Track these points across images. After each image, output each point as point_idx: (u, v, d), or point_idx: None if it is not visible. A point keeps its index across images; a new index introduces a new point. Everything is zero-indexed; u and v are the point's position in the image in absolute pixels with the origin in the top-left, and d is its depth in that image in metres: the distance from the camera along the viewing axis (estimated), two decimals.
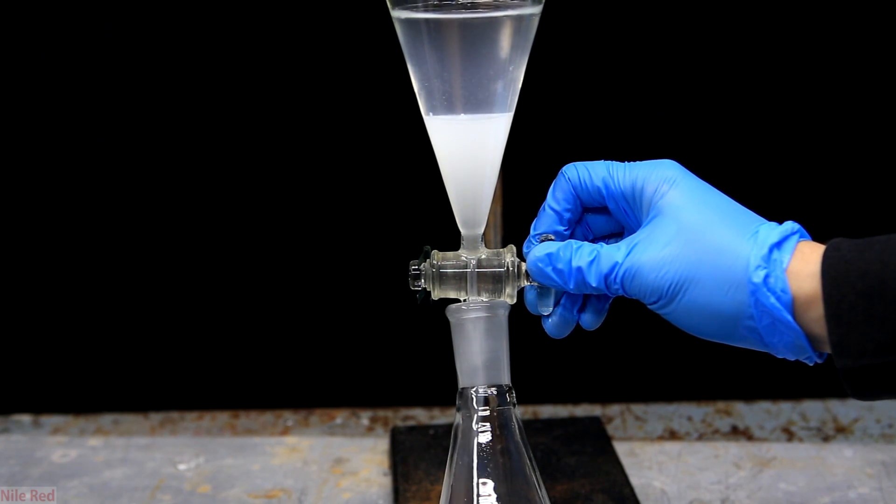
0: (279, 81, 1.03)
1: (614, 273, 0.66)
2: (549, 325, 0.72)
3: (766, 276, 0.62)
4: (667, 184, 0.66)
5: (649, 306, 0.66)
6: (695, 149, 1.02)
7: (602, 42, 1.01)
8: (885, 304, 0.59)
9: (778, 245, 0.63)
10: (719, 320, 0.64)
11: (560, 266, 0.68)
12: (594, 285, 0.67)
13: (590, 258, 0.67)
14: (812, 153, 1.04)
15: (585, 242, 0.68)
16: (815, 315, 0.62)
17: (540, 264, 0.68)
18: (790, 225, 0.64)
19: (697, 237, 0.64)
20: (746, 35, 1.01)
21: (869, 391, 0.61)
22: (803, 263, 0.62)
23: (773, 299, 0.62)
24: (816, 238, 0.65)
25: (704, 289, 0.64)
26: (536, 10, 0.68)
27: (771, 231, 0.63)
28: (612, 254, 0.66)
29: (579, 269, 0.67)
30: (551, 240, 0.70)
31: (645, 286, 0.65)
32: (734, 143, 1.03)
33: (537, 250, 0.69)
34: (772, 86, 1.02)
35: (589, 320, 0.72)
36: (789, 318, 0.62)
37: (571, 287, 0.68)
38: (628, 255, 0.66)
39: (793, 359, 0.65)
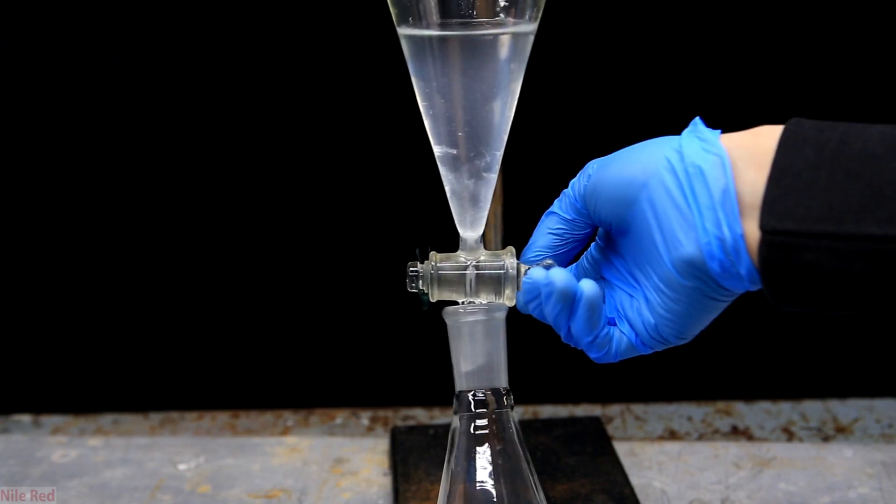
0: (280, 83, 1.03)
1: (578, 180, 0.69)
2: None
3: (693, 127, 0.64)
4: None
5: (595, 196, 0.67)
6: None
7: (601, 44, 1.01)
8: (831, 175, 0.58)
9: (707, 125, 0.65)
10: (649, 165, 0.64)
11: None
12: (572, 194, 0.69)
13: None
14: None
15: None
16: (746, 155, 0.61)
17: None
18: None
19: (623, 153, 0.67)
20: (743, 36, 1.01)
21: (783, 286, 0.59)
22: (735, 135, 0.63)
23: (700, 125, 0.64)
24: None
25: (636, 149, 0.66)
26: (532, 27, 0.69)
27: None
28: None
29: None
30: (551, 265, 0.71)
31: (591, 174, 0.67)
32: None
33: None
34: (767, 85, 1.02)
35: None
36: (708, 131, 0.63)
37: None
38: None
39: (716, 240, 0.62)
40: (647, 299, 0.67)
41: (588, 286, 0.68)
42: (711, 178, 0.61)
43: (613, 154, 0.67)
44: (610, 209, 0.66)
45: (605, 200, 0.66)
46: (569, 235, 0.70)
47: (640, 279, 0.68)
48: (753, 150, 0.61)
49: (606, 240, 0.71)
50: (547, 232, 0.70)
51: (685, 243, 0.63)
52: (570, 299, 0.67)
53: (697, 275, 0.63)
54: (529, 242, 0.71)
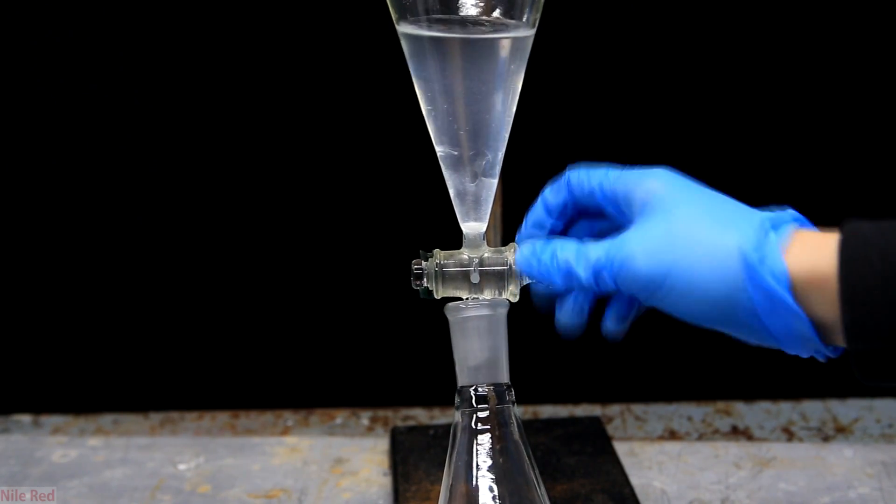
0: (281, 82, 1.03)
1: (603, 262, 0.65)
2: (562, 318, 0.71)
3: (762, 257, 0.61)
4: (658, 182, 0.66)
5: (644, 299, 0.65)
6: (694, 150, 1.02)
7: (602, 43, 1.01)
8: None
9: (774, 226, 0.62)
10: (716, 304, 0.62)
11: (545, 258, 0.67)
12: (583, 277, 0.66)
13: (576, 251, 0.66)
14: (815, 154, 1.04)
15: (572, 238, 0.69)
16: (819, 298, 0.60)
17: (525, 252, 0.69)
18: (789, 212, 0.63)
19: (688, 222, 0.63)
20: (748, 37, 1.01)
21: (879, 375, 0.60)
22: (802, 247, 0.61)
23: (769, 278, 0.60)
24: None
25: (697, 269, 0.62)
26: (530, 33, 0.69)
27: (768, 214, 0.63)
28: (600, 245, 0.66)
29: (567, 262, 0.67)
30: None
31: (636, 273, 0.63)
32: (735, 145, 1.04)
33: (523, 246, 0.69)
34: (773, 87, 1.02)
35: (611, 327, 0.71)
36: (788, 297, 0.60)
37: (559, 281, 0.67)
38: (616, 244, 0.65)
39: (805, 355, 0.64)
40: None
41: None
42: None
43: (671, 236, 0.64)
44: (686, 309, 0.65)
45: (677, 299, 0.64)
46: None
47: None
48: (815, 270, 0.60)
49: None
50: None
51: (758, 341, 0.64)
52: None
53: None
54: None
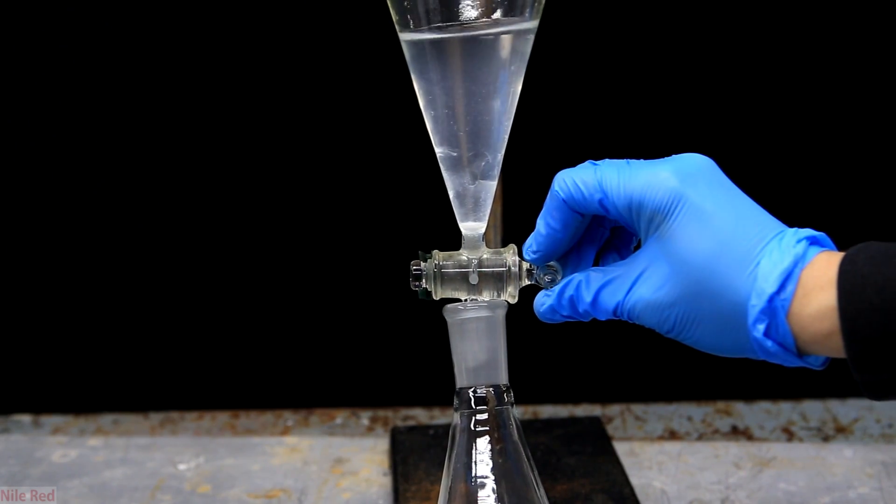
0: (282, 84, 1.03)
1: (619, 310, 0.68)
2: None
3: (767, 328, 0.62)
4: (662, 211, 0.65)
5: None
6: (694, 150, 1.02)
7: (602, 42, 1.01)
8: None
9: (778, 291, 0.62)
10: (728, 352, 0.65)
11: (566, 313, 0.69)
12: (604, 318, 0.69)
13: (591, 304, 0.68)
14: (812, 153, 1.04)
15: (579, 279, 0.69)
16: (824, 348, 0.62)
17: (549, 316, 0.70)
18: (792, 252, 0.62)
19: (693, 280, 0.64)
20: (749, 34, 1.01)
21: (888, 396, 0.61)
22: (806, 301, 0.61)
23: (775, 348, 0.62)
24: (836, 238, 0.64)
25: (707, 330, 0.65)
26: (532, 25, 0.69)
27: (772, 269, 0.62)
28: (613, 293, 0.68)
29: (587, 312, 0.69)
30: (554, 270, 0.71)
31: (650, 324, 0.67)
32: (737, 143, 1.04)
33: (537, 304, 0.70)
34: (767, 85, 1.02)
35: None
36: (795, 359, 0.63)
37: (582, 319, 0.70)
38: (627, 296, 0.67)
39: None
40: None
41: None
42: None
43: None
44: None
45: (690, 344, 0.67)
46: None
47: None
48: (819, 322, 0.61)
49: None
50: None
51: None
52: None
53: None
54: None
